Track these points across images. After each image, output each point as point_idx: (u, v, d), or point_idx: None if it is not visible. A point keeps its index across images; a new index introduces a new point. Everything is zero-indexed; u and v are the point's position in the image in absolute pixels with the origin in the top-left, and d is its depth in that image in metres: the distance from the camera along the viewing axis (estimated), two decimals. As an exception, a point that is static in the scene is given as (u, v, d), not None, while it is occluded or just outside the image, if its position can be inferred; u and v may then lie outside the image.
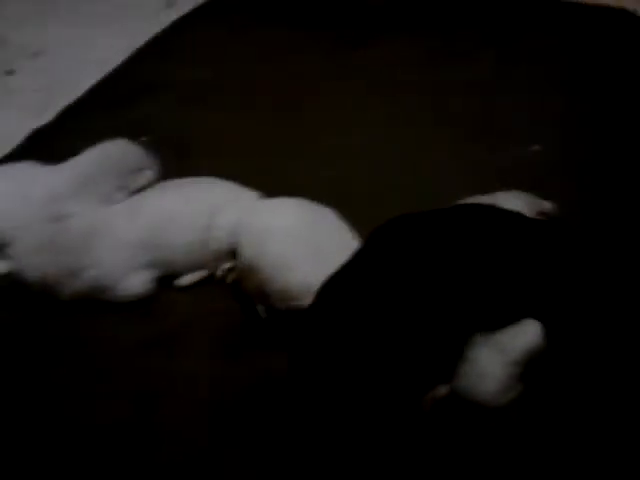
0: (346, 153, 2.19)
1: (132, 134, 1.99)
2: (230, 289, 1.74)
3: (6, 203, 1.84)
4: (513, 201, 1.64)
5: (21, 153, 2.24)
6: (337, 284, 1.43)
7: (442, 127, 2.28)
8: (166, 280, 1.79)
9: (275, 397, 1.47)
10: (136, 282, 1.74)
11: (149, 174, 1.85)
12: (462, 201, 1.64)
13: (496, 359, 1.42)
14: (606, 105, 2.35)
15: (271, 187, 1.86)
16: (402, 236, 1.45)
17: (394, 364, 1.33)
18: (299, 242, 1.59)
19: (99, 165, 1.83)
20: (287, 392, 1.43)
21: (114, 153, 1.87)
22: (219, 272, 1.78)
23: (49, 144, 2.29)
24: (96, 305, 1.74)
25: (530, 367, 1.46)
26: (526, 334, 1.45)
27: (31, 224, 1.82)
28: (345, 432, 1.34)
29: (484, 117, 2.33)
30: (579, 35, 2.74)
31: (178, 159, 2.03)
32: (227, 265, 1.77)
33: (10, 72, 2.72)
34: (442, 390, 1.42)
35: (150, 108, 2.41)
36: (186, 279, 1.79)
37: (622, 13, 2.80)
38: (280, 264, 1.58)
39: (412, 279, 1.37)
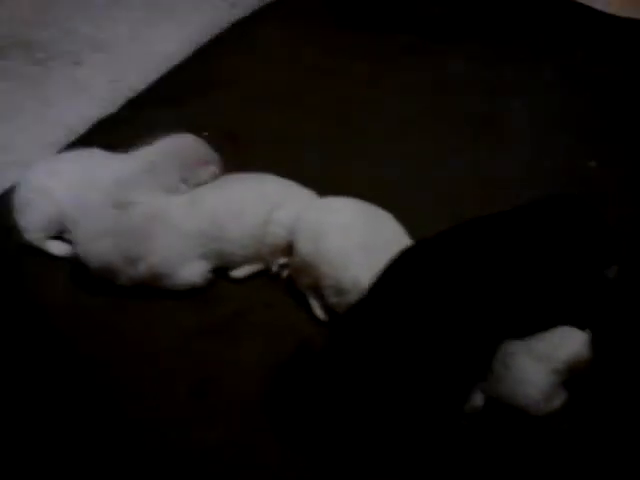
0: (398, 158, 2.21)
1: (193, 128, 2.03)
2: (284, 284, 1.78)
3: (72, 186, 1.90)
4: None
5: (84, 142, 2.30)
6: (383, 287, 1.44)
7: (488, 136, 2.30)
8: (222, 271, 1.84)
9: (321, 389, 1.48)
10: (193, 271, 1.78)
11: (213, 169, 1.89)
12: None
13: (539, 367, 1.42)
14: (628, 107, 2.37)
15: (325, 187, 1.89)
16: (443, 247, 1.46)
17: (432, 370, 1.33)
18: (355, 240, 1.62)
19: (166, 156, 1.88)
20: (327, 389, 1.44)
21: (181, 146, 1.91)
22: (274, 267, 1.82)
23: (111, 135, 2.35)
24: (154, 292, 1.80)
25: (575, 376, 1.46)
26: (571, 343, 1.46)
27: (95, 209, 1.89)
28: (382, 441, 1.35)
29: (543, 131, 2.32)
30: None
31: (237, 155, 2.07)
32: (282, 260, 1.81)
33: (78, 63, 2.81)
34: (478, 400, 1.43)
35: (212, 104, 2.46)
36: (242, 271, 1.83)
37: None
38: (335, 261, 1.61)
39: (451, 286, 1.37)
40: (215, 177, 1.89)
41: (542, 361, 1.42)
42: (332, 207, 1.74)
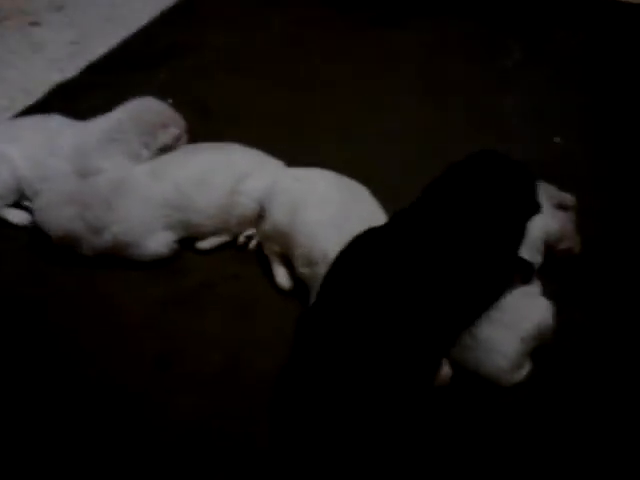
0: (375, 135, 2.20)
1: (158, 96, 1.98)
2: (251, 255, 1.77)
3: (35, 153, 1.86)
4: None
5: (42, 107, 2.24)
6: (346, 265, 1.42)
7: (471, 114, 2.29)
8: (188, 242, 1.81)
9: (287, 359, 1.49)
10: (159, 241, 1.76)
11: (174, 131, 1.85)
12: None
13: (506, 336, 1.44)
14: (627, 99, 2.37)
15: (293, 158, 1.88)
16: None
17: (398, 346, 1.32)
18: (330, 213, 1.60)
19: (127, 121, 1.84)
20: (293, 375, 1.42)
21: (142, 109, 1.87)
22: (241, 238, 1.81)
23: (71, 100, 2.29)
24: (117, 262, 1.77)
25: (539, 347, 1.49)
26: (536, 310, 1.48)
27: (58, 177, 1.84)
28: (352, 415, 1.32)
29: (508, 107, 2.34)
30: (605, 31, 2.74)
31: (202, 123, 2.04)
32: (250, 231, 1.80)
33: (35, 23, 2.71)
34: (446, 370, 1.43)
35: (175, 70, 2.41)
36: (208, 242, 1.81)
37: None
38: (311, 232, 1.60)
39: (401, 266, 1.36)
40: (179, 141, 1.86)
41: (509, 329, 1.44)
42: (311, 178, 1.72)
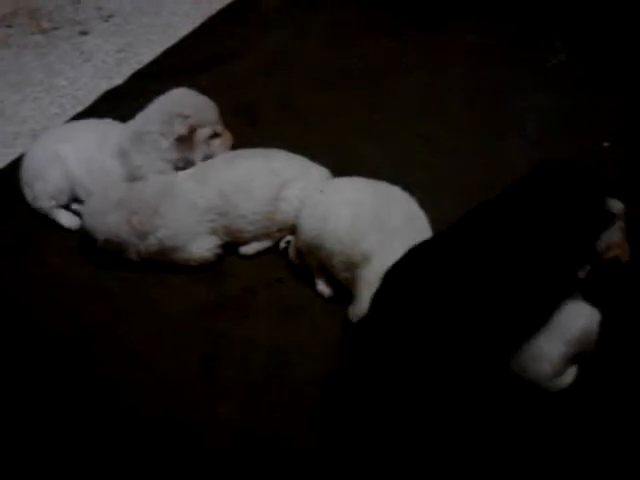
0: (413, 137, 2.19)
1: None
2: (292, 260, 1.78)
3: (87, 152, 1.91)
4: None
5: (92, 113, 2.29)
6: (391, 293, 1.39)
7: (518, 119, 2.25)
8: (231, 248, 1.83)
9: (334, 366, 1.49)
10: (203, 246, 1.78)
11: (190, 122, 1.83)
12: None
13: (549, 341, 1.42)
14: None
15: (338, 163, 1.88)
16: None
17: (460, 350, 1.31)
18: (363, 214, 1.60)
19: (152, 113, 1.88)
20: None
21: (168, 99, 1.90)
22: (282, 244, 1.82)
23: (119, 105, 2.33)
24: (162, 267, 1.80)
25: (583, 356, 1.47)
26: (580, 316, 1.46)
27: (107, 175, 1.89)
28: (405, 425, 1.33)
29: (554, 109, 2.30)
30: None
31: (247, 129, 2.06)
32: (290, 237, 1.80)
33: (84, 33, 2.78)
34: None
35: (219, 76, 2.44)
36: (251, 248, 1.83)
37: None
38: (344, 238, 1.60)
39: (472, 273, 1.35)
40: (207, 135, 1.87)
41: (553, 335, 1.42)
42: (337, 187, 1.73)
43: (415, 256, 1.40)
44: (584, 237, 1.45)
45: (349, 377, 1.37)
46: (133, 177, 1.87)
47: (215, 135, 1.88)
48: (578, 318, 1.45)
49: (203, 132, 1.86)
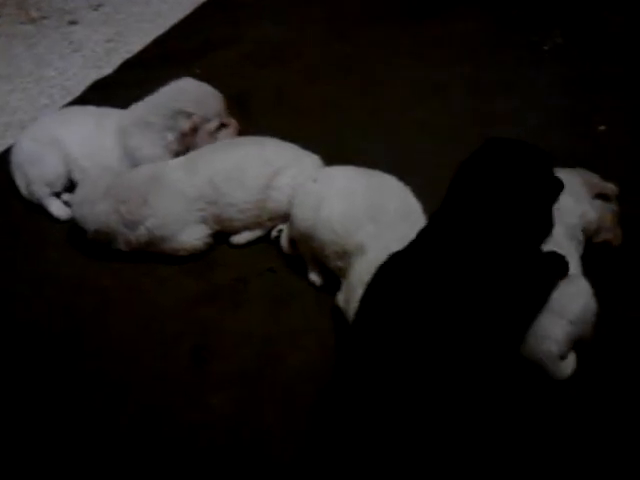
0: (409, 127, 2.16)
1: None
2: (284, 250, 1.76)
3: (84, 133, 1.92)
4: (573, 179, 1.61)
5: (82, 103, 2.26)
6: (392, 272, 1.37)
7: (508, 103, 2.22)
8: (222, 237, 1.81)
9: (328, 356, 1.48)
10: (193, 235, 1.76)
11: (196, 118, 1.84)
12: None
13: (554, 320, 1.41)
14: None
15: (333, 154, 1.85)
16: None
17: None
18: (356, 204, 1.58)
19: (157, 104, 1.89)
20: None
21: (173, 92, 1.90)
22: (274, 232, 1.80)
23: (109, 95, 2.31)
24: (152, 257, 1.78)
25: (583, 340, 1.45)
26: (581, 294, 1.44)
27: (103, 163, 1.89)
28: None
29: (551, 93, 2.27)
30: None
31: (239, 117, 2.02)
32: (283, 226, 1.78)
33: (73, 22, 2.75)
34: None
35: (211, 65, 2.42)
36: (242, 237, 1.80)
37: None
38: (338, 227, 1.58)
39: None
40: (208, 127, 1.87)
41: (557, 314, 1.41)
42: (329, 176, 1.70)
43: (392, 264, 1.38)
44: (537, 206, 1.42)
45: (344, 373, 1.35)
46: (130, 159, 1.88)
47: (222, 126, 1.89)
48: (578, 296, 1.44)
49: (209, 126, 1.87)
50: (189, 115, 1.84)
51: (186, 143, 1.86)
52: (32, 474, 1.37)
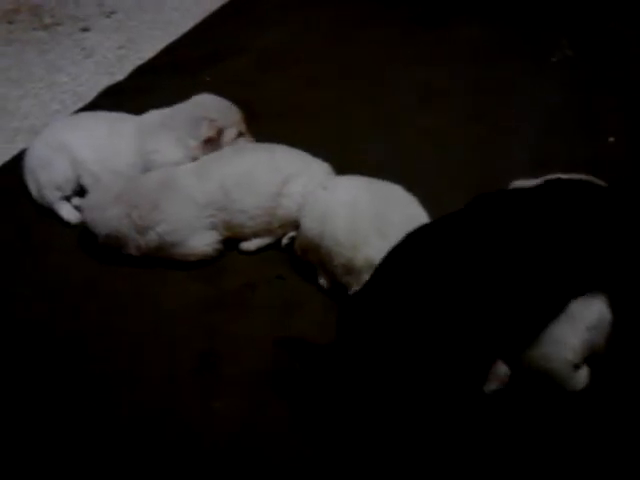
0: (413, 132, 2.17)
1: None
2: (294, 257, 1.76)
3: (97, 137, 1.93)
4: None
5: (94, 109, 2.28)
6: (394, 266, 1.39)
7: (521, 114, 2.23)
8: (232, 243, 1.82)
9: (333, 360, 1.47)
10: (203, 241, 1.77)
11: (217, 125, 1.87)
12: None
13: (570, 327, 1.40)
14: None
15: (340, 159, 1.87)
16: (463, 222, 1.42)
17: (450, 342, 1.30)
18: (363, 219, 1.58)
19: (180, 112, 1.91)
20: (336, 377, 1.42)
21: (195, 103, 1.93)
22: (285, 240, 1.80)
23: (120, 102, 2.32)
24: (162, 262, 1.79)
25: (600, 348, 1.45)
26: (594, 304, 1.43)
27: (115, 168, 1.90)
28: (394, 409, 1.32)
29: (558, 104, 2.27)
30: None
31: (250, 124, 2.03)
32: (293, 233, 1.79)
33: (86, 29, 2.77)
34: (504, 369, 1.41)
35: (221, 72, 2.43)
36: (252, 243, 1.81)
37: None
38: (345, 241, 1.58)
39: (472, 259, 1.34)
40: (228, 137, 1.89)
41: (572, 321, 1.40)
42: (335, 187, 1.70)
43: (413, 244, 1.39)
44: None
45: (345, 373, 1.36)
46: (146, 163, 1.89)
47: (240, 134, 1.92)
48: (593, 304, 1.43)
49: (230, 132, 1.90)
50: (212, 121, 1.87)
51: (209, 149, 1.87)
52: (36, 475, 1.37)
